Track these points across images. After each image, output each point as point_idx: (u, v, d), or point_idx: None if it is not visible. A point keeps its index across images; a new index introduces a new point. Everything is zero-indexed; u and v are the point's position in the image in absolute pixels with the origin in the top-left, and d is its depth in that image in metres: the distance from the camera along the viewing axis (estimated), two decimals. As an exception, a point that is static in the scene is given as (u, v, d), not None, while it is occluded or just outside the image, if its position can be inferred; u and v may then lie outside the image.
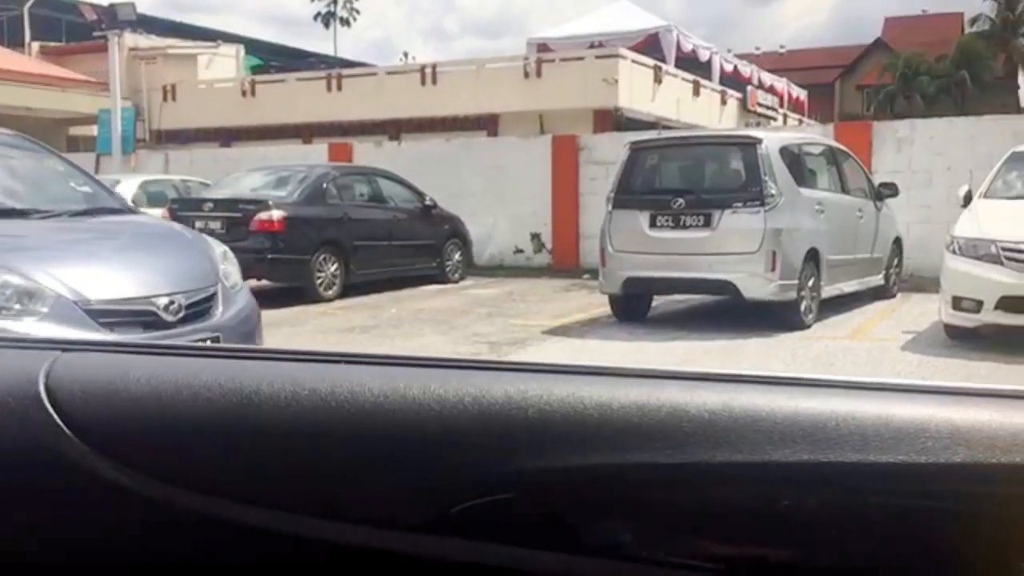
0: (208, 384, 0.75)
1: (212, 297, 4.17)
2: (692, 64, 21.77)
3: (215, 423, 0.73)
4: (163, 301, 3.92)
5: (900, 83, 38.94)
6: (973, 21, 43.03)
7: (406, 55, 44.03)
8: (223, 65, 22.70)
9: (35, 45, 22.49)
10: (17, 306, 3.62)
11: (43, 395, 0.77)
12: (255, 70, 23.87)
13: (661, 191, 8.19)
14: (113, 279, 3.94)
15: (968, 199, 7.50)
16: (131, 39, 20.32)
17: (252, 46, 26.84)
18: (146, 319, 3.85)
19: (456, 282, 11.61)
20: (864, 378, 0.66)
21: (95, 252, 4.21)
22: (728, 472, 0.62)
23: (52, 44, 23.24)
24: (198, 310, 4.08)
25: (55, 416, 0.76)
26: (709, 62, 22.81)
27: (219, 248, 4.63)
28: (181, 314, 3.97)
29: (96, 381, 0.79)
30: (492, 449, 0.67)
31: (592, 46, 20.39)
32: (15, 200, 4.53)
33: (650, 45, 20.93)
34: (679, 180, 8.41)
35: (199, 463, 0.73)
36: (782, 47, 47.66)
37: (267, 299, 6.95)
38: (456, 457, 0.67)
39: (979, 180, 8.05)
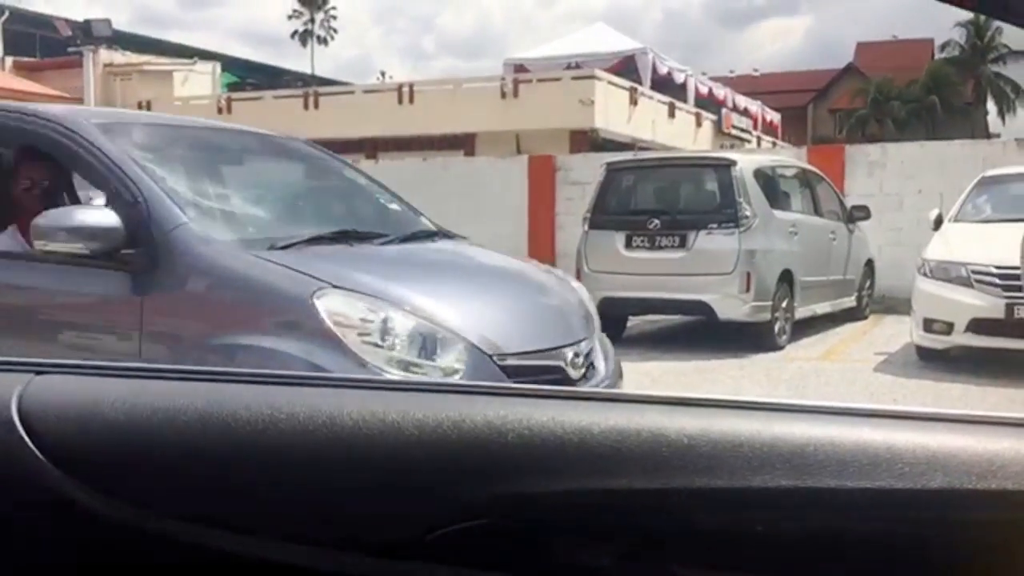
0: (184, 408, 0.74)
1: (593, 348, 3.43)
2: (668, 86, 21.96)
3: (191, 448, 0.72)
4: (569, 354, 3.20)
5: (872, 107, 39.52)
6: (943, 47, 43.87)
7: (383, 74, 44.20)
8: (199, 82, 22.62)
9: (9, 60, 22.30)
10: (429, 361, 2.86)
11: (15, 419, 0.76)
12: (231, 87, 23.81)
13: (637, 212, 8.24)
14: (516, 326, 3.19)
15: (939, 222, 7.60)
16: (106, 55, 20.22)
17: (229, 63, 26.76)
18: (554, 376, 3.10)
19: (432, 301, 11.54)
20: (842, 404, 0.67)
21: (478, 291, 3.40)
22: (707, 497, 0.62)
23: (26, 59, 23.06)
24: (588, 364, 3.36)
25: (28, 440, 0.74)
26: (684, 84, 23.02)
27: (577, 284, 3.92)
28: (582, 370, 3.26)
29: (70, 404, 0.78)
30: (471, 474, 0.66)
31: (568, 67, 20.53)
32: (345, 220, 3.80)
33: (626, 67, 21.10)
34: (655, 201, 8.46)
35: (174, 488, 0.72)
36: (756, 70, 48.21)
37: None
38: (435, 482, 0.67)
39: (949, 204, 8.16)
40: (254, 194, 3.88)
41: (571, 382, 3.12)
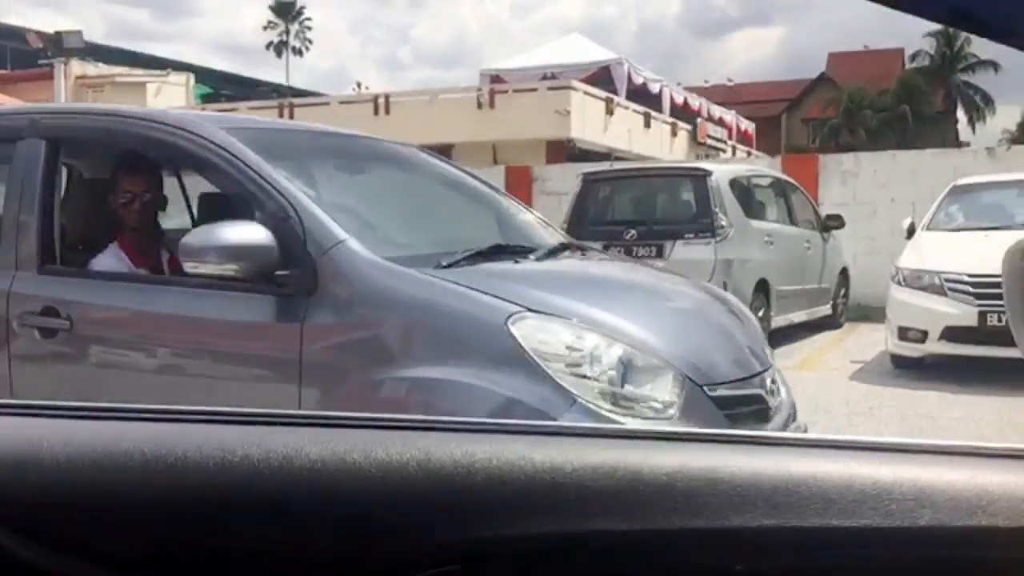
0: (130, 451, 0.69)
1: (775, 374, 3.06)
2: (643, 96, 22.07)
3: (138, 493, 0.68)
4: (767, 381, 2.86)
5: (844, 117, 39.93)
6: (913, 57, 44.51)
7: (359, 85, 44.06)
8: (172, 93, 22.45)
9: (-22, 72, 22.06)
10: (641, 393, 2.48)
11: None
12: (205, 99, 23.66)
13: (614, 222, 8.25)
14: (714, 352, 2.83)
15: (912, 231, 7.67)
16: (78, 67, 20.02)
17: (203, 75, 26.61)
18: (757, 407, 2.76)
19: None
20: (826, 436, 0.65)
21: (665, 313, 3.00)
22: (686, 538, 0.59)
23: (-4, 71, 22.80)
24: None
25: None
26: (659, 94, 23.14)
27: (738, 301, 3.52)
28: (778, 399, 2.91)
29: (5, 447, 0.73)
30: (438, 517, 0.63)
31: (545, 78, 20.59)
32: (487, 231, 3.40)
33: (602, 77, 21.19)
34: (631, 211, 8.49)
35: (120, 538, 0.68)
36: (730, 80, 48.58)
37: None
38: (400, 527, 0.64)
39: (922, 212, 8.24)
40: (395, 205, 3.48)
41: (768, 413, 2.78)
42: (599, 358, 2.44)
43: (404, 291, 2.54)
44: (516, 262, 2.96)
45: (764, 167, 11.20)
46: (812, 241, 9.14)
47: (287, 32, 52.70)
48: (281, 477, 0.66)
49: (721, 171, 8.24)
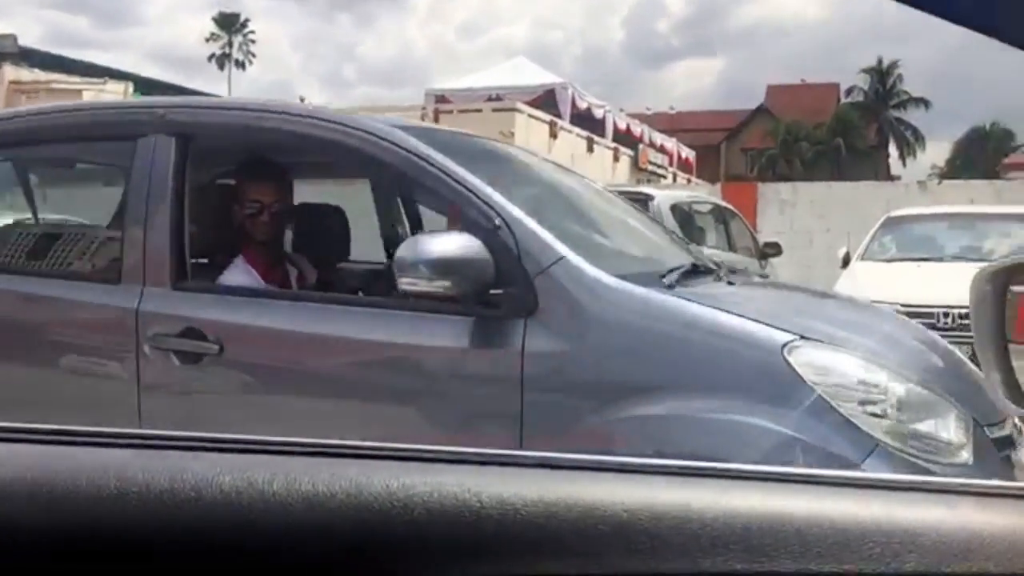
0: (8, 479, 0.60)
1: None
2: (587, 121, 22.26)
3: (16, 526, 0.59)
4: (1016, 419, 2.58)
5: (781, 148, 40.95)
6: (848, 92, 45.95)
7: (303, 100, 43.62)
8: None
9: (-96, 73, 21.28)
10: (934, 434, 2.17)
11: None
12: (144, 108, 23.17)
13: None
14: (976, 390, 2.49)
15: (847, 261, 7.83)
16: (12, 72, 19.47)
17: (142, 84, 26.07)
18: (1010, 450, 2.44)
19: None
20: (805, 471, 0.60)
21: (907, 345, 2.66)
22: None
23: (-77, 72, 22.03)
24: None
25: None
26: (603, 120, 23.37)
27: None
28: (1022, 438, 2.64)
29: None
30: (369, 556, 0.57)
31: (490, 99, 20.63)
32: (665, 247, 3.07)
33: (546, 101, 21.32)
34: (574, 234, 8.49)
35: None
36: (672, 109, 49.34)
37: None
38: (326, 566, 0.57)
39: (856, 242, 8.43)
40: (570, 216, 3.07)
41: (1011, 457, 2.45)
42: (890, 394, 2.16)
43: (652, 314, 2.24)
44: (730, 283, 2.68)
45: (705, 194, 11.34)
46: (750, 268, 9.25)
47: (230, 44, 52.14)
48: (190, 509, 0.58)
49: (663, 196, 8.30)
